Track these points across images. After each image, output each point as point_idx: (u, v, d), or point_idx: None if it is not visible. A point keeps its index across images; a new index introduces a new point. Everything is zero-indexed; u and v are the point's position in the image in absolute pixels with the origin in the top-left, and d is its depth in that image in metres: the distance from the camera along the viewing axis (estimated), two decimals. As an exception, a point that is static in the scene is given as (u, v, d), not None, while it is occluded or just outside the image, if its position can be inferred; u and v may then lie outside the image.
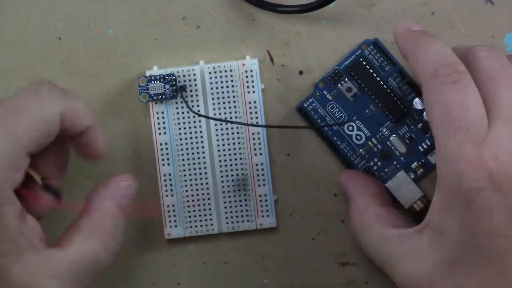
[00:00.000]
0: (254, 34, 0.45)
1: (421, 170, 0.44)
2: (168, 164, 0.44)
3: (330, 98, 0.44)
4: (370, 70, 0.44)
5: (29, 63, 0.45)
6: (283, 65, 0.45)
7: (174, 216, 0.45)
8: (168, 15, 0.45)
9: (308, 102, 0.44)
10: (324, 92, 0.44)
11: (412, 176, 0.44)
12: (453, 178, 0.35)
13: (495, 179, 0.35)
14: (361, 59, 0.44)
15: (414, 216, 0.43)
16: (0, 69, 0.46)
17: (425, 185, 0.44)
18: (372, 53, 0.44)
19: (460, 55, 0.38)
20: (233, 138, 0.44)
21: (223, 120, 0.44)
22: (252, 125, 0.44)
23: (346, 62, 0.44)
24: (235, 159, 0.44)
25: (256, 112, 0.44)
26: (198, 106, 0.44)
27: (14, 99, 0.37)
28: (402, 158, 0.44)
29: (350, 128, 0.44)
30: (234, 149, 0.44)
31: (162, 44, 0.45)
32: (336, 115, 0.44)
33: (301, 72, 0.45)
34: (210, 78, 0.44)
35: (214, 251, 0.46)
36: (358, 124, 0.44)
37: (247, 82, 0.44)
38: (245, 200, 0.44)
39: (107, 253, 0.39)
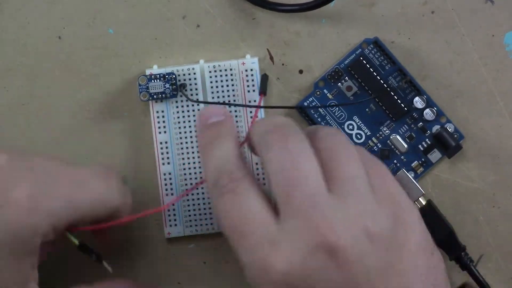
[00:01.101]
0: (254, 33, 0.45)
1: (421, 168, 0.44)
2: (168, 163, 0.44)
3: (330, 97, 0.44)
4: (371, 69, 0.44)
5: (29, 62, 0.45)
6: (283, 64, 0.45)
7: (174, 215, 0.44)
8: (168, 14, 0.45)
9: (308, 101, 0.44)
10: (324, 91, 0.44)
11: (412, 174, 0.44)
12: (250, 280, 0.35)
13: (289, 281, 0.33)
14: (361, 58, 0.44)
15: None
16: (0, 69, 0.46)
17: (425, 183, 0.44)
18: (373, 52, 0.44)
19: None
20: None
21: (224, 104, 0.44)
22: (249, 106, 0.44)
23: (347, 61, 0.44)
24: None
25: (251, 115, 0.44)
26: (198, 105, 0.44)
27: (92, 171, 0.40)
28: (402, 157, 0.44)
29: (350, 127, 0.44)
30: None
31: (162, 43, 0.45)
32: (336, 114, 0.44)
33: (301, 71, 0.45)
34: (210, 77, 0.44)
35: (214, 250, 0.46)
36: (359, 123, 0.44)
37: (247, 81, 0.44)
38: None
39: None
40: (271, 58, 0.45)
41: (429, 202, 0.43)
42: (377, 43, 0.44)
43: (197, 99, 0.44)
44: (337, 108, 0.44)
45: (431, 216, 0.43)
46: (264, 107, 0.44)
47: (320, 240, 0.33)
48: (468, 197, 0.44)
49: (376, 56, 0.44)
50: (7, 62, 0.46)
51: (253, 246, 0.34)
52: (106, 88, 0.46)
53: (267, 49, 0.45)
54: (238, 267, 0.35)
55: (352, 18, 0.44)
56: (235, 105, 0.44)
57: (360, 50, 0.44)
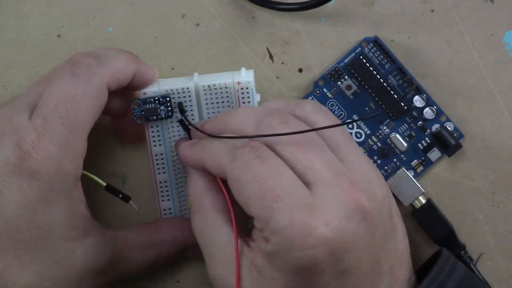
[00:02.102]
0: (254, 32, 0.45)
1: (421, 167, 0.44)
2: (164, 173, 0.44)
3: (330, 96, 0.44)
4: (370, 67, 0.44)
5: (28, 60, 0.45)
6: (282, 63, 0.45)
7: (171, 213, 0.44)
8: (168, 13, 0.45)
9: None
10: (324, 90, 0.44)
11: (412, 173, 0.44)
12: (286, 245, 0.35)
13: (328, 244, 0.34)
14: (361, 57, 0.44)
15: (414, 213, 0.43)
16: (0, 67, 0.45)
17: (425, 182, 0.44)
18: (372, 50, 0.44)
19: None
20: None
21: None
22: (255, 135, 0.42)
23: (346, 60, 0.44)
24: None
25: None
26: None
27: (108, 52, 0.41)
28: (402, 156, 0.44)
29: (350, 126, 0.44)
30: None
31: (161, 42, 0.45)
32: (336, 113, 0.44)
33: (300, 70, 0.45)
34: (205, 96, 0.42)
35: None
36: (358, 122, 0.44)
37: (243, 98, 0.42)
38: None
39: None
40: (271, 57, 0.45)
41: (428, 201, 0.43)
42: (377, 42, 0.44)
43: (193, 119, 0.43)
44: (336, 107, 0.44)
45: (431, 215, 0.43)
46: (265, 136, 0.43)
47: (356, 203, 0.35)
48: (468, 195, 0.44)
49: (376, 55, 0.44)
50: (6, 60, 0.46)
51: (291, 208, 0.35)
52: (105, 87, 0.45)
53: (267, 47, 0.45)
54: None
55: (351, 17, 0.44)
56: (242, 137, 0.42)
57: (359, 49, 0.44)
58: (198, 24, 0.45)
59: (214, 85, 0.42)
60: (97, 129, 0.45)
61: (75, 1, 0.45)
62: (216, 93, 0.42)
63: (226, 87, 0.42)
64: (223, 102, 0.42)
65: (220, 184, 0.39)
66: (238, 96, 0.42)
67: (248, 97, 0.42)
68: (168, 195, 0.44)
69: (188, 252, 0.43)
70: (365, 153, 0.44)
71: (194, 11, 0.45)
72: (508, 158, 0.44)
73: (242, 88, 0.42)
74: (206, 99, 0.42)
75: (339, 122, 0.38)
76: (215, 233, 0.39)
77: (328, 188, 0.35)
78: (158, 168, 0.43)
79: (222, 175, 0.38)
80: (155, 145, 0.43)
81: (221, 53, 0.45)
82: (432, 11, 0.44)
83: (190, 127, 0.41)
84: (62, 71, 0.39)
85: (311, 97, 0.44)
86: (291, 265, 0.35)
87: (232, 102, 0.42)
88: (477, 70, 0.44)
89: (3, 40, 0.45)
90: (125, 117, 0.43)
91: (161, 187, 0.44)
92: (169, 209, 0.44)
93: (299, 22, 0.45)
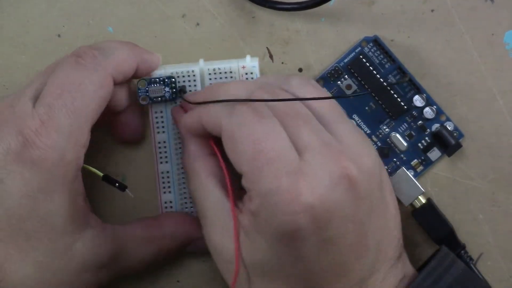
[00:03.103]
0: (254, 31, 0.45)
1: (421, 167, 0.44)
2: (166, 162, 0.44)
3: (329, 95, 0.44)
4: (370, 67, 0.44)
5: (28, 60, 0.45)
6: (282, 63, 0.45)
7: (171, 207, 0.44)
8: (168, 13, 0.45)
9: (307, 100, 0.44)
10: (324, 89, 0.44)
11: (412, 173, 0.44)
12: (269, 209, 0.35)
13: (312, 211, 0.34)
14: (361, 56, 0.44)
15: (414, 213, 0.43)
16: (0, 66, 0.45)
17: (425, 182, 0.44)
18: (372, 50, 0.44)
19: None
20: None
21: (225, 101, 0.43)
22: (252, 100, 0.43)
23: (346, 59, 0.44)
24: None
25: None
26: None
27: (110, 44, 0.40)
28: (402, 155, 0.44)
29: (350, 125, 0.44)
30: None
31: (161, 42, 0.45)
32: (336, 112, 0.44)
33: (300, 70, 0.45)
34: (210, 79, 0.43)
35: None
36: (358, 121, 0.44)
37: None
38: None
39: None
40: (271, 56, 0.45)
41: (428, 201, 0.43)
42: (376, 41, 0.44)
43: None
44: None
45: (431, 215, 0.43)
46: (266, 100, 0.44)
47: (342, 172, 0.35)
48: (468, 195, 0.44)
49: (376, 55, 0.44)
50: (6, 60, 0.46)
51: (279, 172, 0.35)
52: (105, 87, 0.45)
53: (267, 47, 0.45)
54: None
55: (351, 17, 0.44)
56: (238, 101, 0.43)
57: (359, 48, 0.44)
58: (198, 24, 0.45)
59: (219, 68, 0.43)
60: (97, 129, 0.45)
61: (75, 0, 0.45)
62: (221, 77, 0.43)
63: (231, 71, 0.43)
64: None
65: (213, 145, 0.39)
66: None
67: None
68: (169, 187, 0.44)
69: (189, 247, 0.43)
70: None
71: (194, 10, 0.45)
72: (508, 158, 0.44)
73: (246, 73, 0.43)
74: (211, 83, 0.43)
75: (329, 95, 0.38)
76: (207, 196, 0.39)
77: (316, 155, 0.35)
78: (161, 157, 0.44)
79: (218, 131, 0.38)
80: (158, 132, 0.44)
81: (221, 52, 0.45)
82: (432, 10, 0.44)
83: (182, 101, 0.42)
84: (67, 61, 0.39)
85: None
86: (274, 230, 0.35)
87: None
88: (477, 69, 0.44)
89: (3, 39, 0.45)
90: (125, 114, 0.43)
91: (162, 177, 0.44)
92: (170, 202, 0.44)
93: (299, 21, 0.45)
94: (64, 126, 0.37)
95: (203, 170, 0.40)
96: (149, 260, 0.42)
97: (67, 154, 0.37)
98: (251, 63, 0.43)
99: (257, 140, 0.35)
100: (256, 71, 0.43)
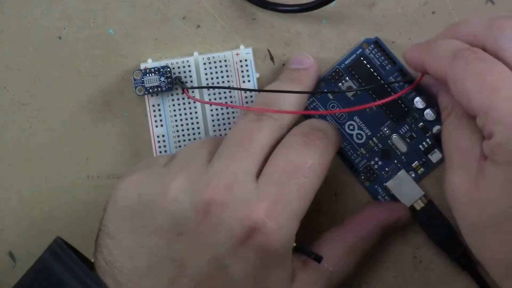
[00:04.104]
0: (255, 33, 0.45)
1: (421, 169, 0.44)
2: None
3: (330, 97, 0.44)
4: (371, 69, 0.44)
5: (29, 62, 0.45)
6: (283, 65, 0.45)
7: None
8: (168, 15, 0.45)
9: (309, 101, 0.44)
10: (325, 90, 0.44)
11: (413, 175, 0.44)
12: (506, 133, 0.34)
13: None
14: (362, 58, 0.44)
15: (415, 215, 0.43)
16: (1, 69, 0.46)
17: (426, 184, 0.44)
18: (373, 52, 0.44)
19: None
20: (230, 129, 0.44)
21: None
22: (246, 89, 0.44)
23: (347, 61, 0.44)
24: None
25: (252, 101, 0.44)
26: (193, 96, 0.44)
27: None
28: (402, 157, 0.44)
29: (351, 127, 0.44)
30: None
31: (162, 44, 0.45)
32: (337, 114, 0.44)
33: (301, 71, 0.45)
34: (205, 69, 0.44)
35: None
36: (359, 123, 0.44)
37: (242, 71, 0.44)
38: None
39: None
40: (272, 58, 0.45)
41: (430, 203, 0.43)
42: (377, 43, 0.44)
43: (193, 92, 0.44)
44: (337, 108, 0.44)
45: (432, 217, 0.43)
46: (268, 91, 0.43)
47: None
48: (469, 197, 0.44)
49: (377, 56, 0.44)
50: (7, 62, 0.46)
51: (509, 97, 0.34)
52: (106, 88, 0.45)
53: (268, 49, 0.45)
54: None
55: (352, 19, 0.44)
56: (235, 89, 0.44)
57: (360, 50, 0.44)
58: (199, 26, 0.45)
59: (213, 57, 0.43)
60: (97, 130, 0.45)
61: (76, 2, 0.45)
62: (216, 66, 0.43)
63: (225, 60, 0.43)
64: (222, 73, 0.44)
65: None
66: (237, 68, 0.43)
67: (247, 70, 0.44)
68: None
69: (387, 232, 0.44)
70: (366, 154, 0.44)
71: (195, 12, 0.45)
72: (509, 160, 0.44)
73: (241, 61, 0.43)
74: (206, 74, 0.44)
75: None
76: (458, 137, 0.39)
77: None
78: (160, 152, 0.44)
79: (442, 75, 0.38)
80: (156, 126, 0.44)
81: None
82: (433, 12, 0.44)
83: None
84: (294, 138, 0.39)
85: (311, 98, 0.44)
86: (510, 152, 0.34)
87: (231, 76, 0.44)
88: (478, 71, 0.44)
89: (3, 41, 0.45)
90: None
91: None
92: None
93: (300, 23, 0.45)
94: (294, 208, 0.37)
95: (466, 114, 0.38)
96: (354, 269, 0.42)
97: (293, 234, 0.37)
98: (244, 50, 0.43)
99: (482, 75, 0.35)
100: (250, 57, 0.43)
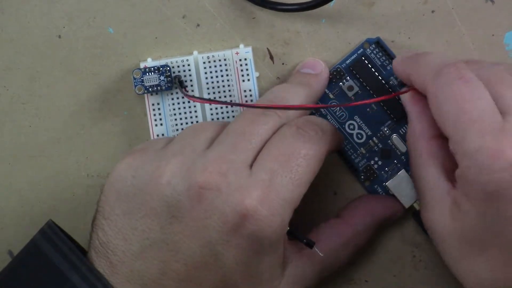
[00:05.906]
0: (254, 32, 0.45)
1: (422, 168, 0.44)
2: None
3: (331, 96, 0.44)
4: (372, 69, 0.44)
5: (29, 61, 0.45)
6: (283, 64, 0.45)
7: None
8: (168, 14, 0.45)
9: (310, 102, 0.44)
10: (326, 90, 0.44)
11: (413, 174, 0.44)
12: (475, 169, 0.35)
13: None
14: (363, 58, 0.44)
15: (415, 215, 0.43)
16: (0, 68, 0.45)
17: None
18: (374, 52, 0.44)
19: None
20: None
21: (221, 103, 0.44)
22: (245, 105, 0.44)
23: (348, 61, 0.44)
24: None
25: (251, 100, 0.44)
26: (193, 96, 0.44)
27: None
28: (403, 157, 0.44)
29: (351, 126, 0.44)
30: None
31: (162, 43, 0.45)
32: (337, 114, 0.44)
33: (301, 71, 0.45)
34: (205, 68, 0.44)
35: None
36: (359, 123, 0.44)
37: (242, 70, 0.44)
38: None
39: None
40: (271, 57, 0.45)
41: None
42: (379, 43, 0.44)
43: (193, 91, 0.44)
44: (338, 108, 0.44)
45: (432, 216, 0.43)
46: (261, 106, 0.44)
47: None
48: (468, 196, 0.44)
49: (378, 56, 0.44)
50: (7, 62, 0.45)
51: (483, 132, 0.35)
52: (106, 87, 0.45)
53: (267, 48, 0.45)
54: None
55: (352, 18, 0.44)
56: (235, 104, 0.44)
57: (362, 50, 0.44)
58: (198, 25, 0.45)
59: (213, 56, 0.44)
60: (97, 129, 0.45)
61: (76, 1, 0.45)
62: (215, 65, 0.44)
63: (225, 59, 0.43)
64: (222, 72, 0.44)
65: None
66: (237, 67, 0.44)
67: (247, 69, 0.44)
68: None
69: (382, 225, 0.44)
70: (366, 154, 0.44)
71: (195, 11, 0.45)
72: (508, 159, 0.44)
73: (240, 60, 0.43)
74: (205, 73, 0.44)
75: None
76: (425, 176, 0.39)
77: None
78: None
79: (424, 90, 0.38)
80: (156, 125, 0.44)
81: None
82: (433, 11, 0.44)
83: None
84: (289, 128, 0.39)
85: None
86: (479, 191, 0.35)
87: (231, 75, 0.44)
88: (478, 71, 0.44)
89: (3, 41, 0.45)
90: None
91: None
92: None
93: (299, 23, 0.45)
94: (287, 194, 0.37)
95: (425, 151, 0.39)
96: (346, 262, 0.42)
97: (286, 221, 0.37)
98: (244, 49, 0.43)
99: (461, 101, 0.36)
100: (250, 56, 0.44)
